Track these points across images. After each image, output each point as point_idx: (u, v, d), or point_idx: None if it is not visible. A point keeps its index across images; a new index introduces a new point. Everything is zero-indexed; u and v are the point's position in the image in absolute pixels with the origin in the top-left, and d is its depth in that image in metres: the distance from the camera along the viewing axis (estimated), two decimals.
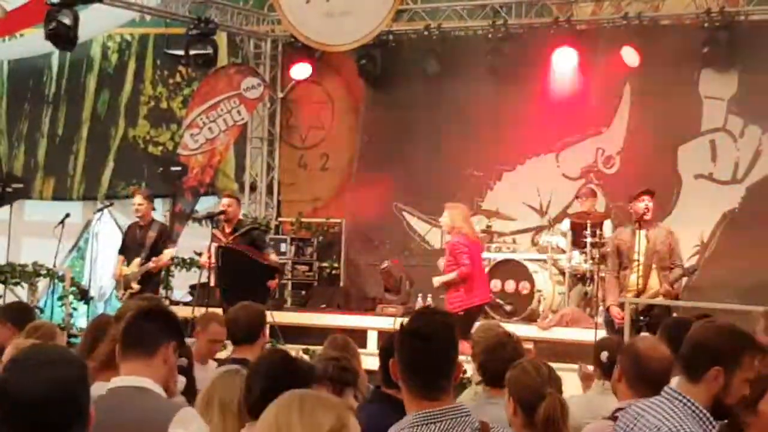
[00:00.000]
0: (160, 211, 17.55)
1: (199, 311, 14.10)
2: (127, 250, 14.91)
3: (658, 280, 12.39)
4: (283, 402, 3.09)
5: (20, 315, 8.48)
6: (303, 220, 18.82)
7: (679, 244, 12.72)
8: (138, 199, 14.86)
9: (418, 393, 4.15)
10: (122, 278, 14.67)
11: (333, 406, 3.10)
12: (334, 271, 18.50)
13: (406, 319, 4.37)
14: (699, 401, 4.28)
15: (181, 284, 17.66)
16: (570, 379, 6.73)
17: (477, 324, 10.38)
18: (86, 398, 3.22)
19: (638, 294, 12.31)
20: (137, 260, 14.56)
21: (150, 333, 4.84)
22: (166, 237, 14.97)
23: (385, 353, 5.63)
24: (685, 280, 12.87)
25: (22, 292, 16.88)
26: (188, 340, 9.04)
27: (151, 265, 14.48)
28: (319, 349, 7.87)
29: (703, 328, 4.48)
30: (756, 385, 4.75)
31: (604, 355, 6.46)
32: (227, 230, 14.29)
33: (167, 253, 14.68)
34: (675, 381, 4.50)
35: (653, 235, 12.38)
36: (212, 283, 14.67)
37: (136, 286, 14.41)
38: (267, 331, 7.55)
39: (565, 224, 15.38)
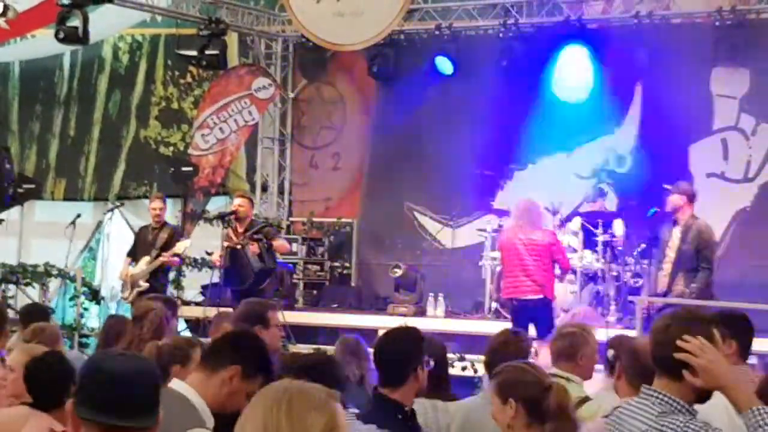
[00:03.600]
0: (172, 212, 17.56)
1: (211, 311, 14.21)
2: (137, 252, 14.95)
3: (682, 281, 12.42)
4: (270, 402, 2.99)
5: (33, 318, 8.56)
6: (314, 219, 18.81)
7: (712, 246, 12.70)
8: (158, 203, 14.96)
9: None
10: (129, 278, 14.70)
11: (323, 404, 3.00)
12: (345, 271, 18.50)
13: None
14: (682, 397, 4.22)
15: (192, 284, 17.65)
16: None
17: None
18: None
19: (665, 293, 12.35)
20: (146, 258, 14.60)
21: (218, 351, 4.90)
22: (177, 238, 15.02)
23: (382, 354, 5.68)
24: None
25: (33, 293, 16.91)
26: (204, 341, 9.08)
27: (162, 258, 14.52)
28: (330, 349, 7.85)
29: (665, 326, 4.37)
30: None
31: (610, 353, 6.47)
32: (239, 230, 14.33)
33: (180, 246, 14.70)
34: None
35: (685, 232, 12.38)
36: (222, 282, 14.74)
37: (144, 284, 14.44)
38: (272, 329, 7.42)
39: (577, 223, 15.36)
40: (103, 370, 3.34)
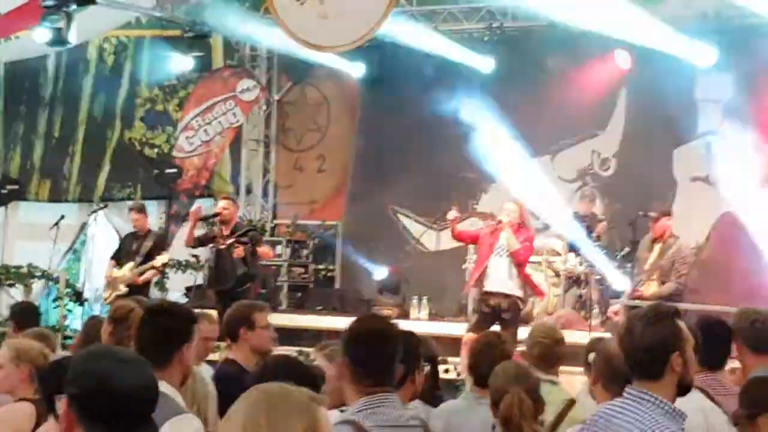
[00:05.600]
0: (156, 214, 17.54)
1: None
2: (122, 257, 14.95)
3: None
4: (252, 405, 3.00)
5: (25, 316, 8.59)
6: (299, 222, 18.80)
7: (685, 261, 12.80)
8: (133, 215, 14.99)
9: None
10: (111, 280, 14.70)
11: (304, 407, 3.00)
12: (329, 273, 18.50)
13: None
14: (666, 397, 4.26)
15: (176, 286, 17.63)
16: (562, 380, 6.72)
17: None
18: None
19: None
20: (131, 264, 14.59)
21: (162, 342, 4.88)
22: (162, 246, 15.03)
23: None
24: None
25: (17, 294, 16.88)
26: None
27: (139, 280, 14.55)
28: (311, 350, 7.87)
29: (629, 330, 4.39)
30: (754, 397, 4.76)
31: (590, 357, 6.47)
32: (225, 232, 14.35)
33: (159, 259, 14.71)
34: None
35: (665, 249, 12.51)
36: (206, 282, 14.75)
37: (123, 289, 14.44)
38: (258, 331, 7.47)
39: (560, 226, 15.37)
40: (111, 384, 3.25)
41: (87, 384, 3.27)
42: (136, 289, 14.50)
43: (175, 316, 5.12)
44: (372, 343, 4.47)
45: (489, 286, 12.73)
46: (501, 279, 12.70)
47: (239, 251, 14.13)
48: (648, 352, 4.29)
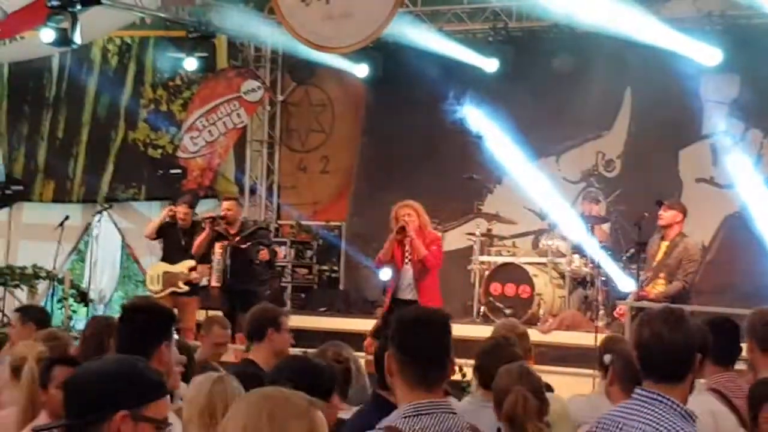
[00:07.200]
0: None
1: (199, 313, 14.25)
2: (167, 250, 14.98)
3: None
4: (252, 409, 3.00)
5: (43, 318, 8.64)
6: (303, 223, 18.80)
7: (692, 259, 12.76)
8: (184, 209, 14.93)
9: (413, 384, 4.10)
10: (165, 274, 14.70)
11: (303, 411, 3.01)
12: (333, 274, 18.49)
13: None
14: (682, 398, 4.24)
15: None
16: (568, 381, 6.71)
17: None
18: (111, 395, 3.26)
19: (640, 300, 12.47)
20: (189, 262, 14.59)
21: (140, 341, 4.85)
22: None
23: (380, 356, 5.64)
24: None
25: (21, 295, 16.87)
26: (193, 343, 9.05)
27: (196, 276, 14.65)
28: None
29: (672, 331, 4.36)
30: (756, 396, 4.76)
31: (607, 357, 6.42)
32: (232, 231, 14.42)
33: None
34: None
35: (671, 248, 12.46)
36: (213, 282, 14.72)
37: (183, 287, 14.51)
38: (283, 334, 7.48)
39: (565, 227, 15.34)
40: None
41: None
42: (195, 285, 14.63)
43: (152, 314, 5.08)
44: (420, 330, 4.09)
45: (398, 293, 12.71)
46: (407, 286, 12.70)
47: (264, 254, 14.24)
48: (679, 354, 4.29)
